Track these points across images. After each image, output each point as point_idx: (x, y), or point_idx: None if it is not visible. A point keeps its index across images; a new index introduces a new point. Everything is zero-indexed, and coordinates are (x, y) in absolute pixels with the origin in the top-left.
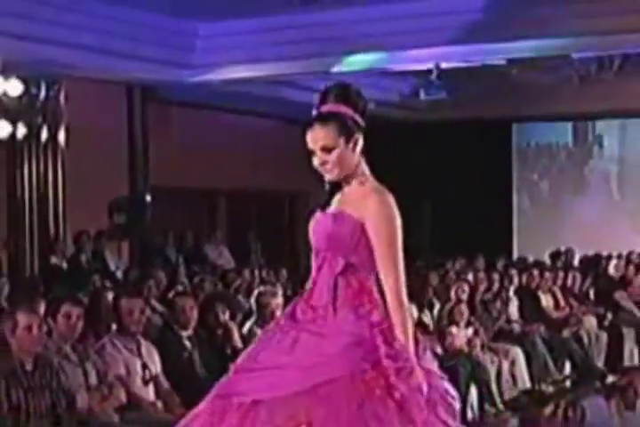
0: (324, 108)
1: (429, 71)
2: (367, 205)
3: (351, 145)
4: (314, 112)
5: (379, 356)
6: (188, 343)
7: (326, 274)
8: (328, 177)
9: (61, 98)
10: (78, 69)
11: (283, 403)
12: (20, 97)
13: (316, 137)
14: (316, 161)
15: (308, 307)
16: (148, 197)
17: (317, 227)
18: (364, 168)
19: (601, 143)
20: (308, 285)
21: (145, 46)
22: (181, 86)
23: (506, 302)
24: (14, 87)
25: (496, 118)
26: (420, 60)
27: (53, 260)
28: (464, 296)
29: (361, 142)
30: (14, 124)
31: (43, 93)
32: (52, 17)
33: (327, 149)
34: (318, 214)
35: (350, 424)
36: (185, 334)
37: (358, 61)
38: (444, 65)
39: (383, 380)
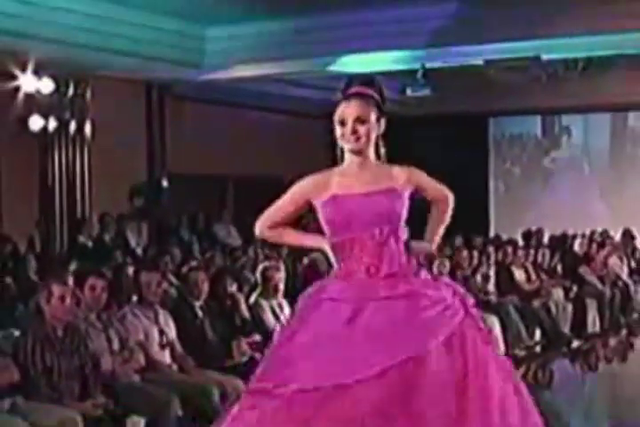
0: (355, 89)
1: (415, 71)
2: (401, 173)
3: (378, 124)
4: (340, 94)
5: (467, 307)
6: (200, 312)
7: (393, 245)
8: (352, 146)
9: (88, 95)
10: (103, 70)
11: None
12: (51, 94)
13: (352, 109)
14: (345, 130)
15: (381, 279)
16: (165, 183)
17: (367, 206)
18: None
19: (567, 134)
20: (366, 261)
21: (161, 49)
22: (193, 84)
23: (485, 277)
24: (46, 85)
25: (475, 112)
26: (407, 60)
27: (81, 239)
28: (445, 271)
29: (384, 124)
30: (46, 118)
31: (71, 91)
32: (79, 23)
33: (361, 121)
34: (354, 194)
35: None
36: (197, 304)
37: (352, 62)
38: (428, 65)
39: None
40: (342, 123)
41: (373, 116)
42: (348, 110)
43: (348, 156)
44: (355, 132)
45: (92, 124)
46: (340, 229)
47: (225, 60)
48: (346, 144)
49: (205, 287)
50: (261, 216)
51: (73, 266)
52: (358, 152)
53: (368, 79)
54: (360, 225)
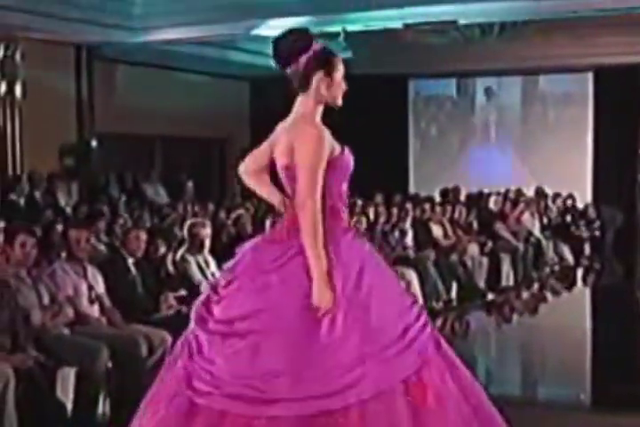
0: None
1: (337, 34)
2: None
3: None
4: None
5: None
6: (133, 268)
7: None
8: (339, 103)
9: (17, 56)
10: (33, 32)
11: None
12: None
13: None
14: (343, 88)
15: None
16: (94, 143)
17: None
18: None
19: (481, 95)
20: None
21: (91, 12)
22: (122, 46)
23: (403, 233)
24: None
25: (395, 74)
26: (329, 23)
27: (12, 197)
28: (362, 228)
29: None
30: None
31: (1, 53)
32: None
33: None
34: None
35: None
36: (131, 260)
37: (277, 25)
38: (349, 28)
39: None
40: (341, 81)
41: None
42: (342, 69)
43: (318, 111)
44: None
45: (23, 85)
46: None
47: (153, 23)
48: (338, 101)
49: (143, 245)
50: (247, 156)
51: (2, 223)
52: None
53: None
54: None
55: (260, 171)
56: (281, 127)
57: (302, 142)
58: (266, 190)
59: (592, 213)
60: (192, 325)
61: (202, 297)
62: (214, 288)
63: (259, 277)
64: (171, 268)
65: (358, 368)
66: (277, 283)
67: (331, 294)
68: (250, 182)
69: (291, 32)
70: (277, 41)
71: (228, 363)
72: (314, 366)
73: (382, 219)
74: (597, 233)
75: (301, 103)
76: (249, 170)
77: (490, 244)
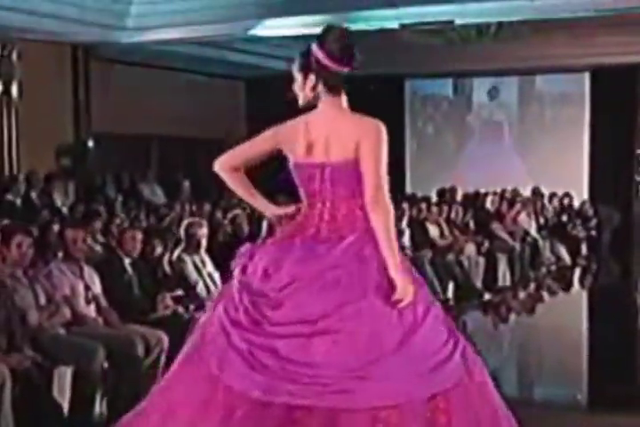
0: None
1: None
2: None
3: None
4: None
5: None
6: (129, 269)
7: None
8: None
9: (14, 57)
10: (29, 32)
11: None
12: None
13: None
14: None
15: None
16: (90, 143)
17: None
18: None
19: (478, 94)
20: None
21: (87, 12)
22: (118, 46)
23: (400, 232)
24: None
25: (392, 74)
26: (326, 24)
27: (9, 197)
28: None
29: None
30: None
31: None
32: None
33: None
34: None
35: None
36: (127, 260)
37: (274, 25)
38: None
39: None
40: None
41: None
42: None
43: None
44: None
45: (19, 85)
46: None
47: (149, 23)
48: None
49: (139, 245)
50: (225, 154)
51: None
52: None
53: None
54: None
55: (237, 169)
56: (294, 125)
57: (370, 134)
58: (246, 193)
59: (589, 212)
60: (231, 330)
61: (246, 301)
62: (262, 294)
63: (322, 275)
64: (167, 268)
65: (443, 354)
66: (347, 277)
67: (412, 287)
68: (226, 179)
69: (344, 30)
70: (346, 40)
71: (329, 359)
72: (411, 354)
73: None
74: (594, 233)
75: (336, 101)
76: (224, 167)
77: (486, 244)
